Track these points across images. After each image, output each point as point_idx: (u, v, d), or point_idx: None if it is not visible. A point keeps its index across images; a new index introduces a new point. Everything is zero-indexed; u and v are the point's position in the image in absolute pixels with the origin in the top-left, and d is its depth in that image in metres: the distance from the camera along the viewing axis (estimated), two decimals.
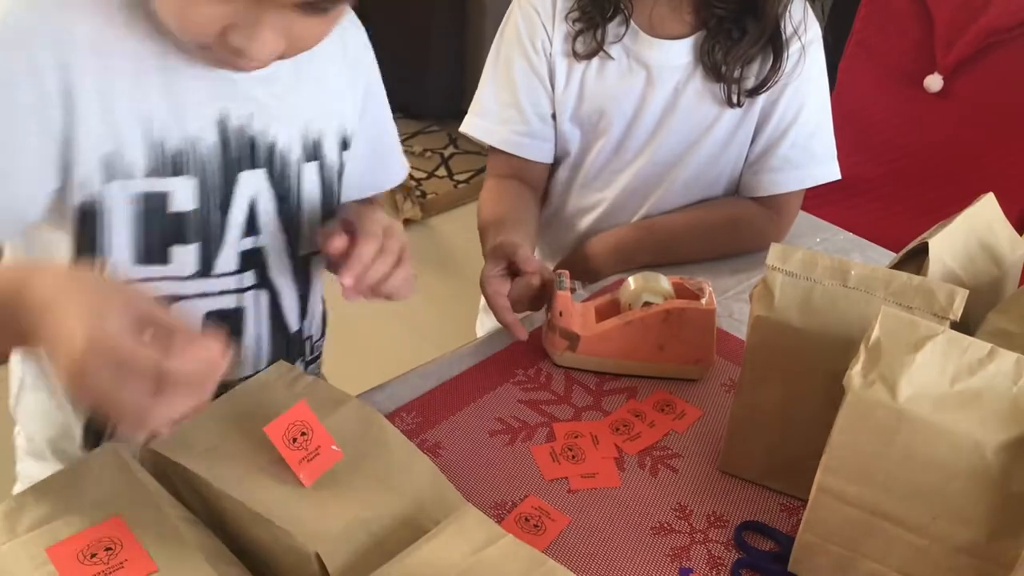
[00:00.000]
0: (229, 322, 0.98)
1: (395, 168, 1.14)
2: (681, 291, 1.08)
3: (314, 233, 0.99)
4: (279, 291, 1.01)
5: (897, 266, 0.97)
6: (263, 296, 1.00)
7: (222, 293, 0.97)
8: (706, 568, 0.86)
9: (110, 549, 0.70)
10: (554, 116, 1.32)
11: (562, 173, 1.38)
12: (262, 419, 0.78)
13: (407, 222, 2.97)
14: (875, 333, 0.76)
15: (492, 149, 1.34)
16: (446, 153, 3.39)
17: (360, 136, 1.03)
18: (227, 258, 0.94)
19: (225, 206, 0.92)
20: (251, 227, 0.95)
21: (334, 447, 0.78)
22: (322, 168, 0.99)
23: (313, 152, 0.97)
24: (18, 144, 0.81)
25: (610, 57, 1.26)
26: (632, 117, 1.29)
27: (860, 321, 0.82)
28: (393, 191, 2.95)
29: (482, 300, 1.55)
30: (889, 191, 2.01)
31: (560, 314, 1.07)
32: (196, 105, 0.87)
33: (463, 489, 0.82)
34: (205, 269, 0.93)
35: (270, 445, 0.78)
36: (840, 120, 1.37)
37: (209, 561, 0.70)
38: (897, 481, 0.75)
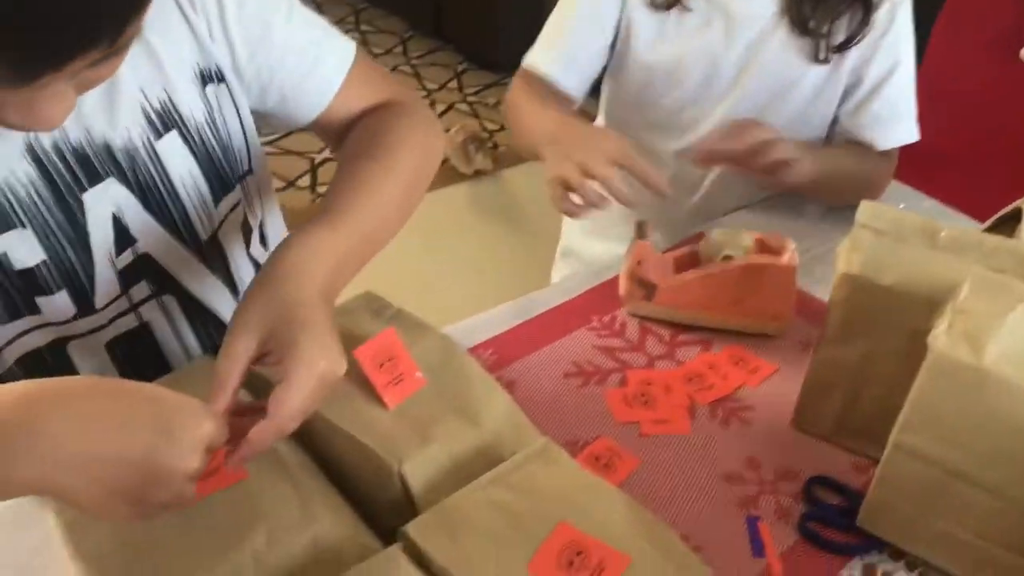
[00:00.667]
0: (138, 343, 0.89)
1: (326, 55, 0.91)
2: (763, 247, 1.07)
3: (208, 204, 0.87)
4: (187, 286, 0.91)
5: (987, 232, 0.96)
6: (168, 300, 0.90)
7: (118, 317, 0.86)
8: (773, 518, 0.87)
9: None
10: (605, 68, 1.34)
11: (634, 116, 1.37)
12: (350, 343, 0.81)
13: (478, 173, 2.98)
14: (964, 293, 0.76)
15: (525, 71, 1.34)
16: None
17: (240, 42, 0.85)
18: (106, 285, 0.83)
19: (81, 238, 0.79)
20: (123, 241, 0.82)
21: (418, 374, 0.81)
22: (185, 130, 0.84)
23: (163, 121, 0.82)
24: None
25: (688, 9, 1.25)
26: (710, 68, 1.28)
27: (947, 282, 0.82)
28: (464, 142, 2.96)
29: (559, 247, 1.56)
30: (977, 163, 1.95)
31: (639, 263, 1.07)
32: None
33: (538, 425, 0.84)
34: (84, 308, 0.82)
35: (357, 368, 0.81)
36: (930, 88, 1.35)
37: (296, 475, 0.73)
38: (977, 442, 0.75)
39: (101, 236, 0.81)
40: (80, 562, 0.68)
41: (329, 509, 0.72)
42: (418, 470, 0.74)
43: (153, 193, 0.83)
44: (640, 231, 1.09)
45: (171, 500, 0.60)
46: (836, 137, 1.34)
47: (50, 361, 0.84)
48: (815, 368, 0.93)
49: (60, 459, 0.55)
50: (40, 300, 0.79)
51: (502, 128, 3.26)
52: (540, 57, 1.32)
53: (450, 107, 3.37)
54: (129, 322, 0.88)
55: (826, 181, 1.22)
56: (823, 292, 0.95)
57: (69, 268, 0.79)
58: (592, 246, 1.50)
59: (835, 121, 1.33)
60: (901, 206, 1.40)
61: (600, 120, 1.45)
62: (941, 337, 0.74)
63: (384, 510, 0.75)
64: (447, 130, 3.09)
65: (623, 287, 1.11)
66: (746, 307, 1.07)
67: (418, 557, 0.68)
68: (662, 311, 1.09)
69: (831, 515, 0.87)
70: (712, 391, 1.01)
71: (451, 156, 2.98)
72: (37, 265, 0.77)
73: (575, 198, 1.05)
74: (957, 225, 1.32)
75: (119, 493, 0.58)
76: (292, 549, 0.68)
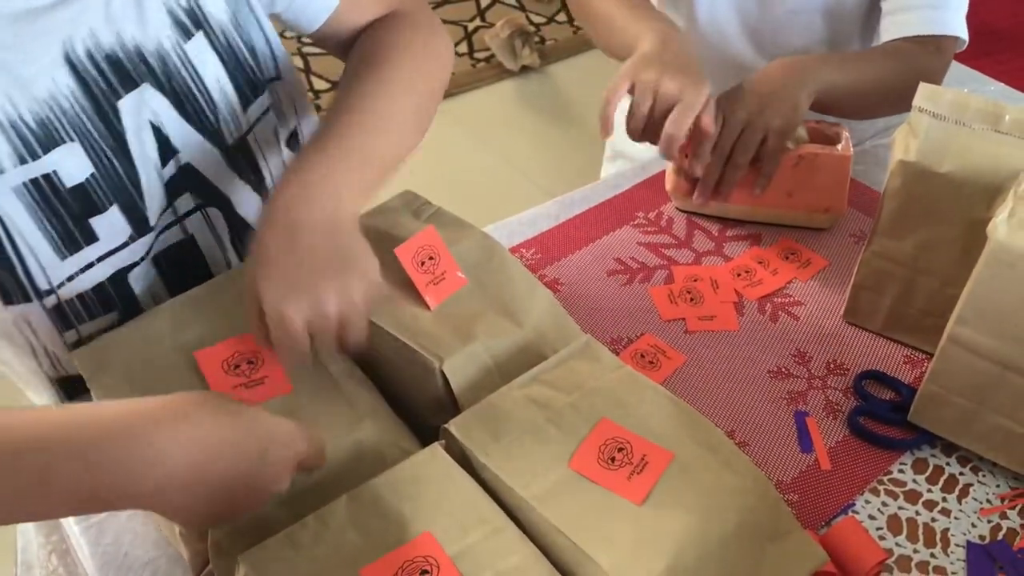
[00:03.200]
0: (182, 256, 0.88)
1: None
2: (816, 136, 1.03)
3: (240, 110, 0.87)
4: (228, 196, 0.90)
5: None
6: (212, 212, 0.89)
7: (165, 230, 0.86)
8: (823, 414, 0.86)
9: (252, 363, 0.74)
10: None
11: None
12: (390, 243, 0.80)
13: (525, 69, 2.92)
14: None
15: None
16: None
17: None
18: (154, 198, 0.82)
19: (123, 148, 0.78)
20: (165, 151, 0.82)
21: (459, 273, 0.80)
22: (211, 31, 0.83)
23: (191, 19, 0.81)
24: None
25: None
26: None
27: (1010, 168, 0.78)
28: (511, 37, 2.89)
29: (608, 148, 1.51)
30: None
31: (686, 156, 1.04)
32: (30, 58, 0.72)
33: (580, 324, 0.83)
34: (139, 227, 0.82)
35: (397, 267, 0.80)
36: None
37: (339, 381, 0.73)
38: None
39: (142, 146, 0.80)
40: None
41: (372, 413, 0.72)
42: (459, 368, 0.74)
43: (188, 99, 0.82)
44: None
45: (253, 511, 0.63)
46: (881, 33, 1.23)
47: (113, 294, 0.84)
48: (868, 260, 0.90)
49: (175, 478, 0.57)
50: (95, 222, 0.78)
51: (549, 21, 3.17)
52: None
53: (495, 0, 3.28)
54: (175, 235, 0.87)
55: (846, 100, 1.07)
56: (880, 182, 0.91)
57: (117, 181, 0.78)
58: (642, 149, 1.45)
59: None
60: (965, 91, 1.34)
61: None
62: (1001, 226, 0.71)
63: (426, 409, 0.76)
64: (491, 25, 3.01)
65: (670, 182, 1.08)
66: (799, 199, 1.03)
67: (459, 454, 0.68)
68: (711, 206, 1.06)
69: (881, 410, 0.86)
70: (761, 286, 0.99)
71: (497, 52, 2.91)
72: (87, 179, 0.76)
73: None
74: None
75: (216, 510, 0.60)
76: (336, 453, 0.68)
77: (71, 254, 0.78)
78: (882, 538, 0.76)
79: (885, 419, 0.85)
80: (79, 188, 0.76)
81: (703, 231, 1.06)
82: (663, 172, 1.12)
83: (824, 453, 0.82)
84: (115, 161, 0.78)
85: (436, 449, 0.68)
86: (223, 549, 0.65)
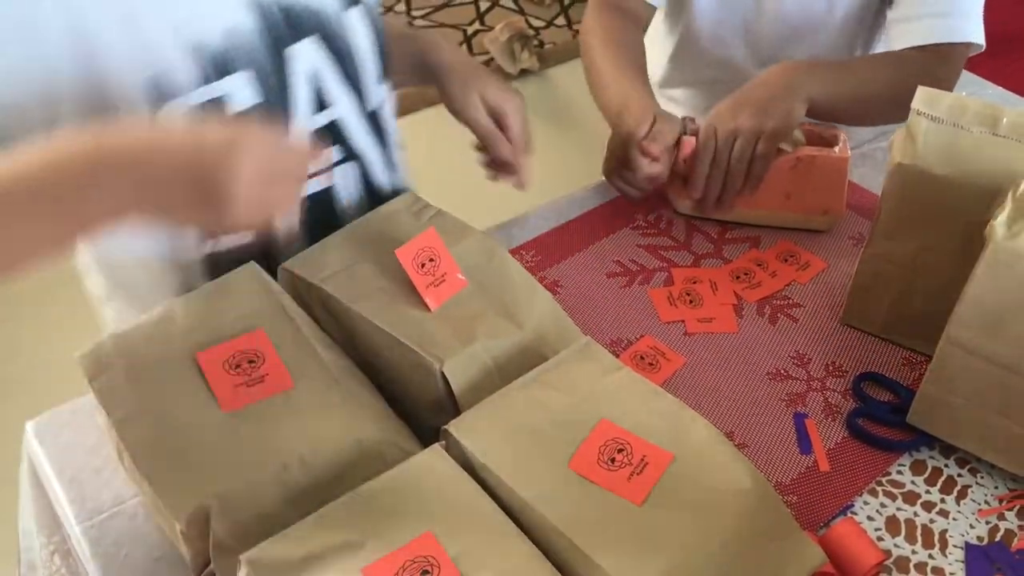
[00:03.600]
0: (321, 204, 0.94)
1: None
2: (813, 138, 1.04)
3: (377, 83, 0.94)
4: (363, 155, 0.96)
5: None
6: (350, 168, 0.95)
7: (311, 176, 0.87)
8: (821, 415, 0.86)
9: (253, 362, 0.74)
10: None
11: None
12: (391, 245, 0.81)
13: (524, 72, 2.92)
14: None
15: None
16: (566, 0, 3.29)
17: None
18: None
19: (284, 89, 0.85)
20: (320, 102, 0.89)
21: (460, 275, 0.80)
22: (365, 8, 0.91)
23: None
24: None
25: None
26: None
27: (1008, 171, 0.78)
28: (510, 40, 2.90)
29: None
30: None
31: (685, 161, 1.04)
32: None
33: (580, 326, 0.83)
34: None
35: (399, 269, 0.80)
36: None
37: (340, 380, 0.74)
38: None
39: (302, 92, 0.87)
40: (129, 459, 0.70)
41: (373, 413, 0.73)
42: (460, 370, 0.74)
43: (344, 60, 0.89)
44: (685, 127, 1.06)
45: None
46: (891, 42, 1.22)
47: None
48: (866, 262, 0.90)
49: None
50: None
51: (548, 25, 3.18)
52: None
53: (495, 3, 3.29)
54: (320, 183, 0.93)
55: (845, 107, 1.08)
56: (878, 185, 0.92)
57: (275, 116, 0.85)
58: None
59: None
60: (963, 93, 1.34)
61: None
62: (1000, 228, 0.71)
63: (427, 410, 0.76)
64: (490, 28, 3.02)
65: (669, 186, 1.08)
66: (797, 202, 1.04)
67: (460, 455, 0.69)
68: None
69: (880, 411, 0.86)
70: (760, 288, 0.99)
71: (496, 55, 2.92)
72: (251, 109, 0.83)
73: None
74: (1023, 111, 1.26)
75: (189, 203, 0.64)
76: (336, 452, 0.69)
77: None
78: (880, 539, 0.76)
79: (884, 421, 0.85)
80: (243, 115, 0.82)
81: (702, 233, 1.07)
82: None
83: (823, 454, 0.82)
84: (277, 98, 0.85)
85: (436, 450, 0.68)
86: (225, 549, 0.65)
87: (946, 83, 1.11)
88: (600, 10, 1.24)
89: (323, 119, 0.90)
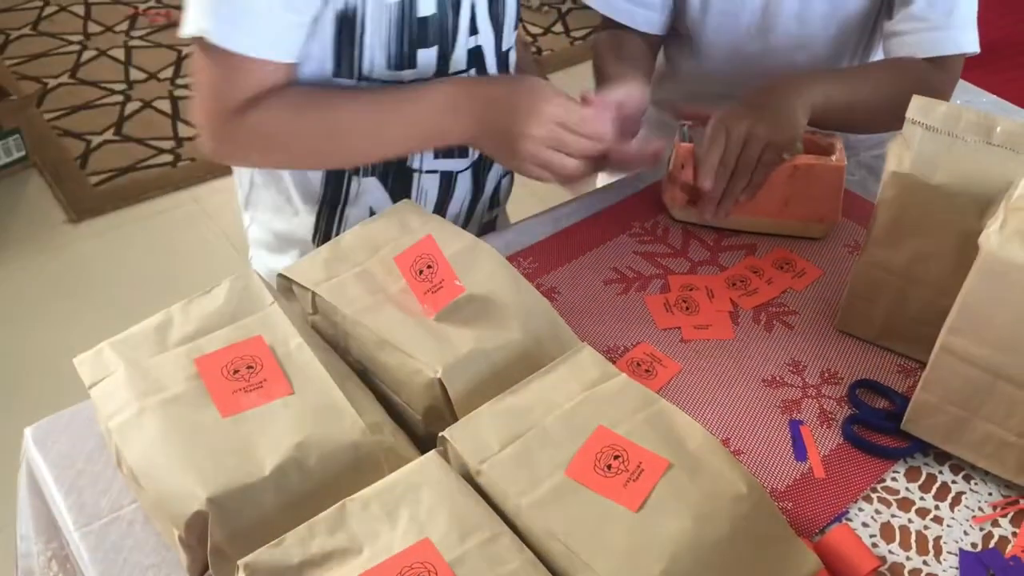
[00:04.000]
0: None
1: None
2: (810, 146, 1.04)
3: (512, 28, 1.06)
4: None
5: None
6: None
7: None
8: (816, 422, 0.87)
9: (252, 368, 0.74)
10: None
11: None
12: (389, 251, 0.81)
13: None
14: (1019, 191, 0.73)
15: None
16: (564, 8, 3.30)
17: None
18: (458, 58, 1.00)
19: (456, 6, 0.97)
20: (473, 26, 1.00)
21: (457, 282, 0.81)
22: None
23: None
24: None
25: None
26: None
27: (1002, 180, 0.79)
28: None
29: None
30: None
31: (682, 167, 1.05)
32: None
33: (577, 333, 0.84)
34: (442, 69, 0.99)
35: (397, 276, 0.81)
36: None
37: (339, 388, 0.74)
38: None
39: (464, 13, 0.98)
40: (128, 465, 0.70)
41: (371, 420, 0.73)
42: (457, 376, 0.74)
43: None
44: (682, 133, 1.07)
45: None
46: (888, 52, 1.23)
47: None
48: (861, 270, 0.91)
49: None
50: (419, 53, 0.96)
51: (546, 32, 3.19)
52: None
53: None
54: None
55: (845, 115, 1.09)
56: (873, 193, 0.92)
57: (443, 28, 0.97)
58: None
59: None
60: (958, 102, 1.35)
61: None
62: (993, 236, 0.72)
63: (424, 417, 0.76)
64: None
65: (667, 193, 1.09)
66: (793, 209, 1.04)
67: (457, 461, 0.69)
68: (708, 216, 1.06)
69: (875, 418, 0.86)
70: (756, 296, 1.00)
71: None
72: (430, 16, 0.95)
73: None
74: (1017, 120, 1.27)
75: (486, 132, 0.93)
76: (334, 458, 0.69)
77: (391, 69, 0.97)
78: (875, 545, 0.77)
79: (879, 428, 0.86)
80: (422, 20, 0.95)
81: (698, 240, 1.07)
82: (659, 182, 1.13)
83: (818, 461, 0.83)
84: (448, 14, 0.97)
85: (434, 456, 0.69)
86: (222, 554, 0.66)
87: (945, 91, 1.13)
88: (604, 25, 1.26)
89: (472, 42, 1.01)
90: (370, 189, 1.05)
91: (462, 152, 1.06)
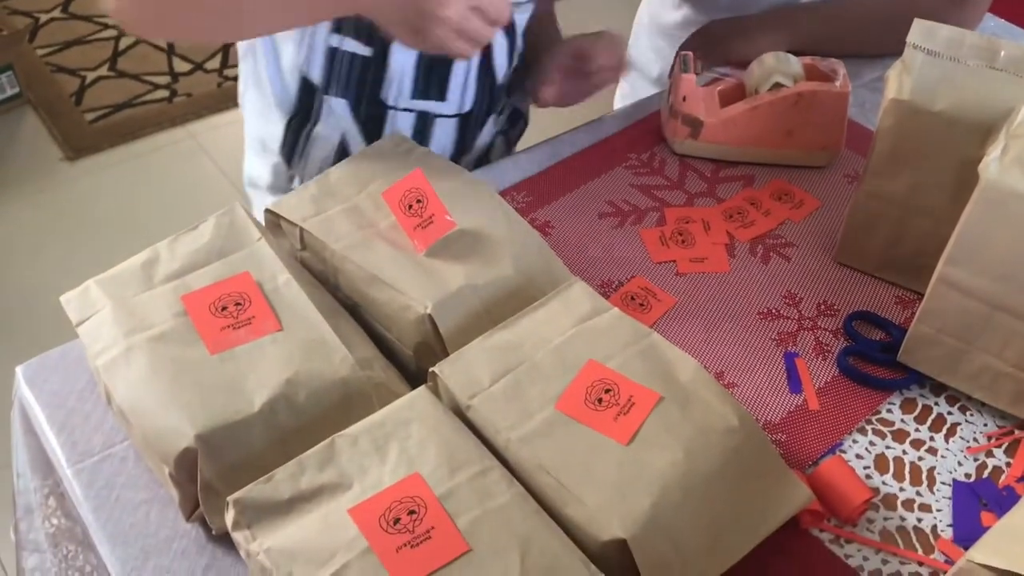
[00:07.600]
0: (438, 59, 0.99)
1: None
2: (813, 73, 1.02)
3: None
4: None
5: None
6: (500, 36, 1.01)
7: None
8: (812, 354, 0.86)
9: (240, 304, 0.74)
10: None
11: None
12: (378, 186, 0.80)
13: None
14: (1020, 117, 0.71)
15: None
16: None
17: None
18: None
19: None
20: None
21: (448, 217, 0.79)
22: None
23: None
24: None
25: None
26: None
27: (1005, 105, 0.77)
28: None
29: (619, 90, 1.48)
30: None
31: (683, 99, 1.03)
32: None
33: (571, 267, 0.83)
34: None
35: (387, 212, 0.79)
36: None
37: (327, 322, 0.73)
38: None
39: None
40: (117, 402, 0.70)
41: (361, 355, 0.72)
42: (447, 312, 0.73)
43: None
44: (684, 64, 1.04)
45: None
46: None
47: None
48: (860, 200, 0.89)
49: None
50: None
51: None
52: None
53: None
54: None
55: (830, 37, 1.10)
56: (873, 122, 0.90)
57: None
58: (651, 59, 1.41)
59: None
60: None
61: None
62: (993, 164, 0.70)
63: (415, 353, 0.76)
64: None
65: (667, 126, 1.07)
66: (797, 138, 1.02)
67: (447, 397, 0.69)
68: (709, 148, 1.05)
69: (871, 350, 0.86)
70: (753, 228, 0.98)
71: None
72: None
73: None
74: (1022, 44, 1.24)
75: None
76: (324, 394, 0.69)
77: None
78: (869, 477, 0.77)
79: (875, 359, 0.85)
80: None
81: (696, 172, 1.05)
82: (656, 113, 1.11)
83: (813, 394, 0.82)
84: None
85: (424, 392, 0.68)
86: (212, 490, 0.66)
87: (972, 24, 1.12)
88: None
89: None
90: (338, 111, 1.00)
91: (440, 94, 1.02)
